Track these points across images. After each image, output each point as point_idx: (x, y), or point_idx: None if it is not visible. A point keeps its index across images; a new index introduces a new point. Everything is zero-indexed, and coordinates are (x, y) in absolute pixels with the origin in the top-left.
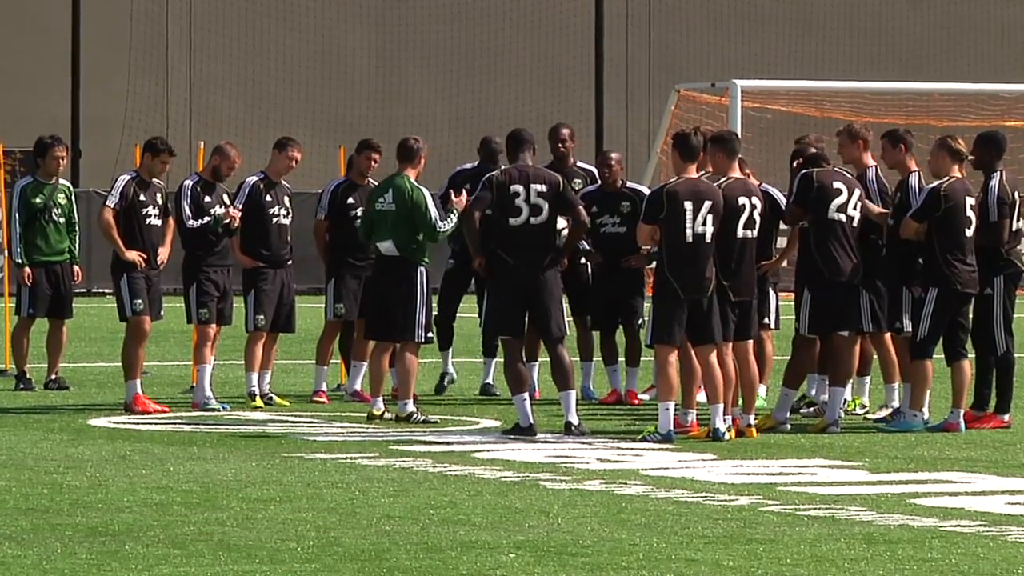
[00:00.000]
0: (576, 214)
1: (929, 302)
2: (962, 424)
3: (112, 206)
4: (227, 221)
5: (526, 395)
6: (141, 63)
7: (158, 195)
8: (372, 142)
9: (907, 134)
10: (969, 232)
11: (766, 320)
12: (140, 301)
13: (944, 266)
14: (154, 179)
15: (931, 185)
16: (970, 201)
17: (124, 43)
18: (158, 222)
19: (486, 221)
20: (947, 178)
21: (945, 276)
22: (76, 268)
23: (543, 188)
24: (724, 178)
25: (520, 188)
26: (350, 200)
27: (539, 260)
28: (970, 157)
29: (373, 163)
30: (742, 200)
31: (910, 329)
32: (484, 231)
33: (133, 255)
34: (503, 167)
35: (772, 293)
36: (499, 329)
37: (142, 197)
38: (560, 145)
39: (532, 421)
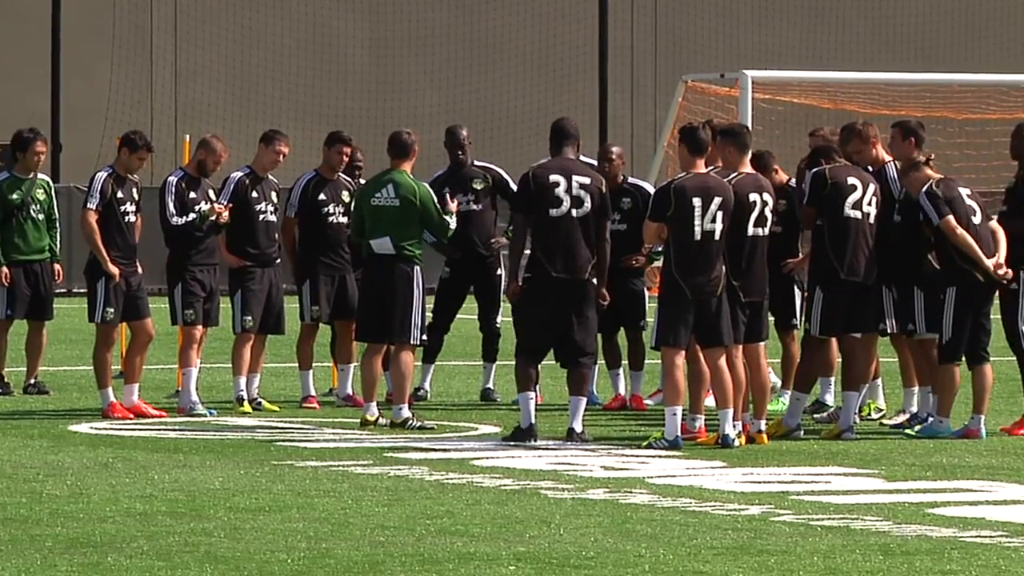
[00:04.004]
0: (601, 225)
1: (949, 303)
2: (983, 430)
3: (94, 207)
4: (214, 217)
5: (532, 394)
6: (124, 53)
7: (134, 191)
8: (343, 135)
9: (919, 127)
10: (976, 220)
11: (793, 321)
12: (112, 310)
13: (961, 261)
14: (130, 175)
15: (924, 189)
16: (965, 192)
17: (106, 32)
18: (134, 219)
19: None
20: (933, 178)
21: (962, 272)
22: (57, 267)
23: (586, 181)
24: (735, 173)
25: (560, 179)
26: (321, 196)
27: (580, 266)
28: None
29: (344, 157)
30: (753, 196)
31: (924, 331)
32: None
33: (114, 270)
34: (541, 163)
35: (797, 292)
36: (525, 353)
37: (119, 194)
38: None
39: (533, 422)
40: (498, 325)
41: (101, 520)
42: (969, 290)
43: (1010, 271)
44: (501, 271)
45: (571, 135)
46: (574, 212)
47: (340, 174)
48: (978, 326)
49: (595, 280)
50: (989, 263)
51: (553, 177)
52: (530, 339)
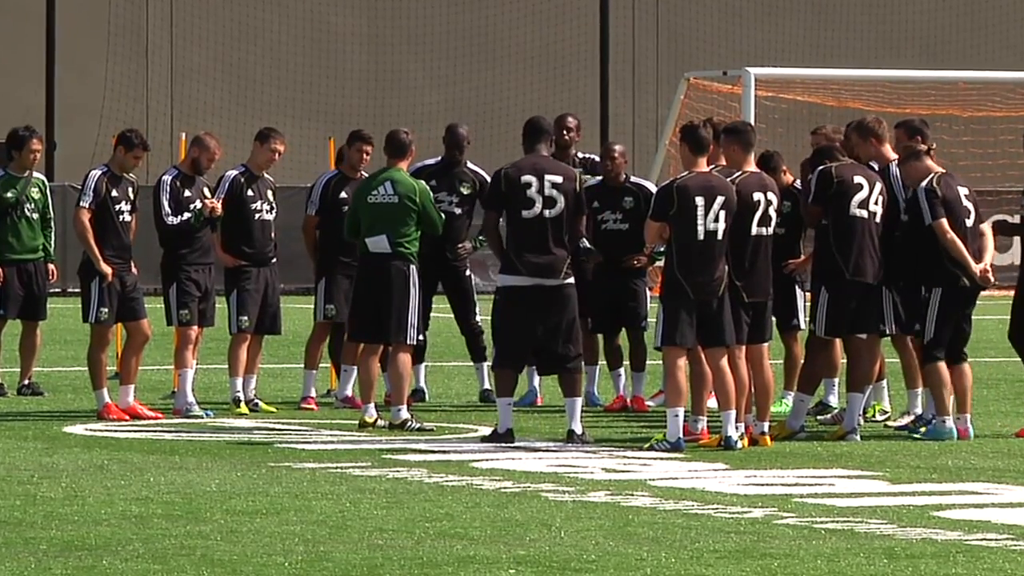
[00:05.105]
0: (575, 222)
1: (933, 304)
2: (970, 430)
3: (87, 206)
4: (208, 213)
5: (511, 399)
6: (120, 49)
7: (130, 190)
8: (363, 133)
9: (924, 125)
10: (969, 222)
11: (795, 322)
12: (106, 310)
13: (948, 263)
14: (126, 174)
15: (925, 184)
16: (963, 192)
17: (102, 28)
18: (130, 219)
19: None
20: (935, 172)
21: (950, 274)
22: (51, 267)
23: (559, 180)
24: (739, 172)
25: (532, 179)
26: (342, 195)
27: (553, 268)
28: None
29: (365, 156)
30: (757, 196)
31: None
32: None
33: (107, 269)
34: (513, 162)
35: (799, 292)
36: (504, 362)
37: (114, 193)
38: (564, 133)
39: (511, 426)
40: (478, 322)
41: (96, 523)
42: (954, 292)
43: (991, 277)
44: (469, 272)
45: (545, 131)
46: (546, 213)
47: (362, 172)
48: (958, 328)
49: (571, 280)
50: (976, 268)
51: (525, 177)
52: (507, 350)
